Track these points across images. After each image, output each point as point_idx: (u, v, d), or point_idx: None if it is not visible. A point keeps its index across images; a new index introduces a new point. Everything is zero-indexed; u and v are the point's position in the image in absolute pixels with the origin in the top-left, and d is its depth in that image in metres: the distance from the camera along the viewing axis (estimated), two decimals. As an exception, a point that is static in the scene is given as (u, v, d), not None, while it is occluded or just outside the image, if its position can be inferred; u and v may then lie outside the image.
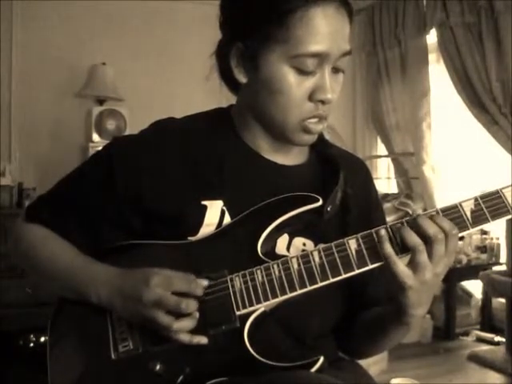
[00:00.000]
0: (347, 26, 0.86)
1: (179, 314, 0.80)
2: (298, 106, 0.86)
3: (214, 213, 0.89)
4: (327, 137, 1.03)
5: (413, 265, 0.78)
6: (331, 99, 0.86)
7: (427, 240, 0.77)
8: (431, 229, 0.77)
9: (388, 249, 0.79)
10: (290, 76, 0.84)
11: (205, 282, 0.83)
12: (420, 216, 0.79)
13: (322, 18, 0.82)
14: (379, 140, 4.44)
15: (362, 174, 1.06)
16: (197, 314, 0.82)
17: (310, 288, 0.81)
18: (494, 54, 3.30)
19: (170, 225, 0.89)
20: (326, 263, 0.81)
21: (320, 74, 0.85)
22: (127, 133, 3.37)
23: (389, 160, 4.41)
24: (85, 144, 3.51)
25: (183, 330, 0.81)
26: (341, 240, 0.82)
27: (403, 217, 0.88)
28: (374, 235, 0.81)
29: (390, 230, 0.81)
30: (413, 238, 0.77)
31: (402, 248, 0.80)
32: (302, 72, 0.84)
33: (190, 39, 3.67)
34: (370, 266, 0.81)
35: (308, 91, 0.85)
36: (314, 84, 0.85)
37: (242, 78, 0.90)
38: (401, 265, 0.78)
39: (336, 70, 0.88)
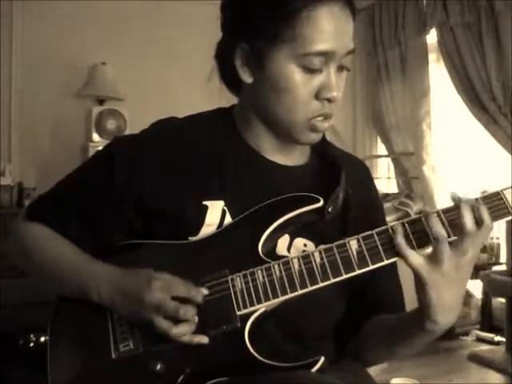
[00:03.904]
0: (351, 25, 0.87)
1: (178, 319, 0.81)
2: (304, 105, 0.86)
3: (215, 213, 0.89)
4: (328, 137, 1.03)
5: (433, 255, 0.77)
6: (337, 97, 0.86)
7: (462, 231, 0.76)
8: (469, 220, 0.76)
9: (400, 240, 0.78)
10: (297, 75, 0.85)
11: (205, 291, 0.83)
12: (463, 203, 0.77)
13: (328, 17, 0.83)
14: (379, 140, 4.44)
15: (362, 174, 1.06)
16: (196, 319, 0.82)
17: (310, 288, 0.81)
18: (494, 53, 3.29)
19: (170, 225, 0.89)
20: (326, 263, 0.81)
21: (326, 72, 0.85)
22: (127, 133, 3.37)
23: (389, 160, 4.40)
24: (85, 144, 3.51)
25: (181, 335, 0.81)
26: (342, 240, 0.82)
27: (403, 217, 0.88)
28: (375, 235, 0.81)
29: (405, 225, 0.80)
30: (439, 227, 0.77)
31: (416, 244, 0.79)
32: (309, 70, 0.84)
33: (191, 39, 3.66)
34: (371, 267, 0.80)
35: (314, 90, 0.86)
36: (321, 82, 0.86)
37: (248, 78, 0.89)
38: (412, 254, 0.78)
39: (341, 68, 0.88)
